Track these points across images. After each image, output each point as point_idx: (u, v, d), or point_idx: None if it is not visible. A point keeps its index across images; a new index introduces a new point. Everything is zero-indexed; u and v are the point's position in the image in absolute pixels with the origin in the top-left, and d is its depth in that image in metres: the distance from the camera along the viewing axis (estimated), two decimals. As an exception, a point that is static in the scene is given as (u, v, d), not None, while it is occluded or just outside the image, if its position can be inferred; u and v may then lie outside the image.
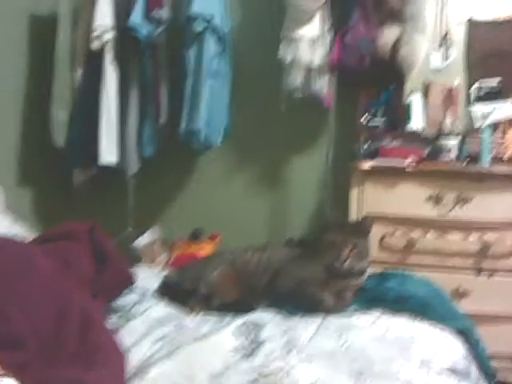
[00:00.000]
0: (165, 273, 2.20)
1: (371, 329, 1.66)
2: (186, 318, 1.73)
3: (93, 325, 1.32)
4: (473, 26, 3.10)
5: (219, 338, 1.54)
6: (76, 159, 3.07)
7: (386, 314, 1.78)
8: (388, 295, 1.84)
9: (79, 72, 3.01)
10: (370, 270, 2.03)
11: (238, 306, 1.79)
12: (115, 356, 1.28)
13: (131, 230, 3.24)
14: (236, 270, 1.92)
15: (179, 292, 1.87)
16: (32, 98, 3.15)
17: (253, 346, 1.52)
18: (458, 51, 3.09)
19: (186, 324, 1.68)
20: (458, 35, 3.09)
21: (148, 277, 2.14)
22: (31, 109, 3.16)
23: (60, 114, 2.99)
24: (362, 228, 1.89)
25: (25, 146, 3.14)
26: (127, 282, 1.78)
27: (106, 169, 3.05)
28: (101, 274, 1.65)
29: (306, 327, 1.66)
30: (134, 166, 3.04)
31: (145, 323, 1.67)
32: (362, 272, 1.89)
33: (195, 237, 3.31)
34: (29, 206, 3.21)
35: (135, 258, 3.09)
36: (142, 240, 3.18)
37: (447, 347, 1.59)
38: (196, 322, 1.71)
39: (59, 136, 3.01)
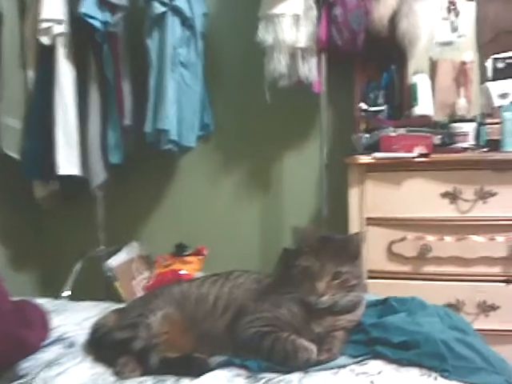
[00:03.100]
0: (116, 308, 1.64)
1: (367, 397, 1.08)
2: (109, 386, 1.17)
3: None
4: (484, 1, 2.52)
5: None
6: (34, 171, 2.55)
7: (390, 367, 1.20)
8: (393, 337, 1.25)
9: (31, 72, 2.49)
10: (370, 296, 1.47)
11: (185, 365, 1.22)
12: None
13: (103, 248, 2.71)
14: (185, 312, 1.35)
15: (110, 345, 1.31)
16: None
17: None
18: (468, 26, 2.52)
19: (104, 398, 1.12)
20: (469, 12, 2.52)
21: (90, 317, 1.59)
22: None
23: (10, 121, 2.46)
24: (348, 248, 1.30)
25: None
26: (14, 349, 1.21)
27: (70, 181, 2.52)
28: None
29: (272, 399, 1.09)
30: (99, 176, 2.52)
31: (46, 400, 1.12)
32: (353, 306, 1.31)
33: (179, 252, 2.77)
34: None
35: (109, 279, 2.57)
36: (117, 258, 2.66)
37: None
38: (120, 393, 1.14)
39: (12, 145, 2.49)
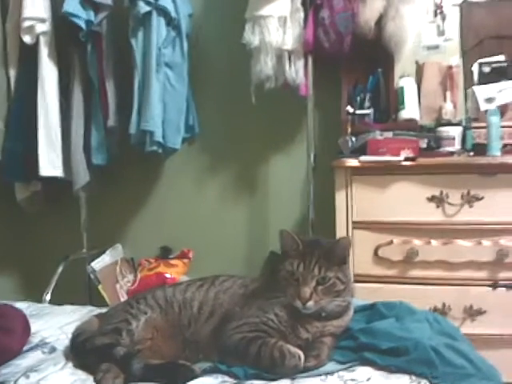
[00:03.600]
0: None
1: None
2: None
3: None
4: (468, 7, 2.52)
5: None
6: (15, 172, 2.50)
7: (379, 373, 1.18)
8: (381, 343, 1.23)
9: (13, 71, 2.44)
10: (358, 301, 1.45)
11: (170, 371, 1.19)
12: None
13: (85, 251, 2.66)
14: (170, 317, 1.32)
15: (91, 351, 1.27)
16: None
17: None
18: (454, 30, 2.52)
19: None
20: (455, 16, 2.51)
21: (71, 322, 1.55)
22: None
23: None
24: (335, 252, 1.28)
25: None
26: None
27: (52, 182, 2.48)
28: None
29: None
30: (82, 178, 2.46)
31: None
32: (341, 312, 1.29)
33: (164, 255, 2.74)
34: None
35: (92, 282, 2.54)
36: (101, 261, 2.60)
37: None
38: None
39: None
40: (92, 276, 2.54)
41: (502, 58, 2.43)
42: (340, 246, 1.29)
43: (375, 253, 2.18)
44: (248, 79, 2.41)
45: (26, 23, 2.32)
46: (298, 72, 2.37)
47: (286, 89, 2.41)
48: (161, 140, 2.37)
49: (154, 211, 2.85)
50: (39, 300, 2.28)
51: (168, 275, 2.59)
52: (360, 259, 2.14)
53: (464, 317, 2.11)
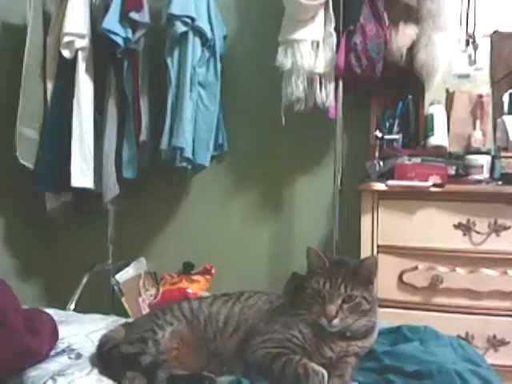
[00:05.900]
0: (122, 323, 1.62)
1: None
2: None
3: None
4: (499, 38, 2.54)
5: None
6: (47, 182, 2.55)
7: (402, 396, 1.17)
8: (405, 366, 1.23)
9: (50, 84, 2.51)
10: (382, 324, 1.45)
11: (194, 382, 1.20)
12: None
13: (110, 263, 2.70)
14: (195, 329, 1.34)
15: (117, 359, 1.28)
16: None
17: None
18: (485, 60, 2.55)
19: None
20: (487, 46, 2.55)
21: (97, 330, 1.57)
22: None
23: (27, 131, 2.47)
24: (361, 272, 1.29)
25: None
26: (21, 357, 1.19)
27: (83, 193, 2.53)
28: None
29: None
30: (112, 190, 2.51)
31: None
32: (366, 332, 1.29)
33: (186, 270, 2.76)
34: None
35: (115, 294, 2.57)
36: (125, 274, 2.64)
37: None
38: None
39: (27, 156, 2.50)
40: (116, 288, 2.58)
41: (533, 87, 2.44)
42: (366, 265, 1.29)
43: (400, 278, 2.17)
44: (278, 101, 2.45)
45: (66, 38, 2.39)
46: (328, 95, 2.39)
47: (315, 111, 2.44)
48: (190, 156, 2.41)
49: (179, 226, 2.89)
50: (63, 309, 2.31)
51: (190, 290, 2.60)
52: (384, 284, 2.12)
53: (487, 347, 2.09)
